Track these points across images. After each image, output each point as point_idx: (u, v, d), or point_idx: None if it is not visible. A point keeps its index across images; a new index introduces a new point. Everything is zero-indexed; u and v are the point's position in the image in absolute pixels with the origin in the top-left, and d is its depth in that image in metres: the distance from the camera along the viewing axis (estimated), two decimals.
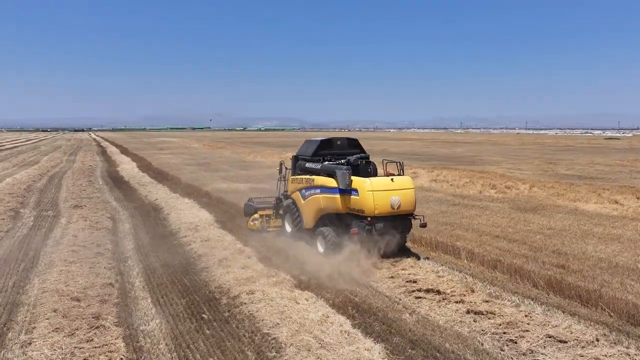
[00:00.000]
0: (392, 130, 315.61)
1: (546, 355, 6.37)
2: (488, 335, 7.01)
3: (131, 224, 14.91)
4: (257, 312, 7.65)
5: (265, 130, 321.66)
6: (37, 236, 13.22)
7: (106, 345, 6.53)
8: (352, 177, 10.29)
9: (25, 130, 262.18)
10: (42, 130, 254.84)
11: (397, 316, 7.83)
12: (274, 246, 11.81)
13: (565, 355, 6.33)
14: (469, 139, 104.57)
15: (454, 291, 8.61)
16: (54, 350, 6.30)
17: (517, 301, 8.26)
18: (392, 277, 9.58)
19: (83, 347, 6.41)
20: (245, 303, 8.05)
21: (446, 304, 8.17)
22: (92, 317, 7.37)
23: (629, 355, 6.33)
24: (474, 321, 7.47)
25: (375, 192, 9.98)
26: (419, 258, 10.66)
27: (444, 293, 8.55)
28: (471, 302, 8.11)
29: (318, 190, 11.13)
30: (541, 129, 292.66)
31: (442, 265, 10.31)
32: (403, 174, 10.88)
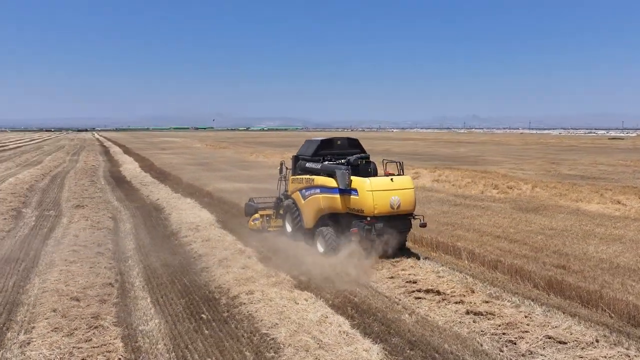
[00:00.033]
0: (395, 130, 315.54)
1: (545, 356, 6.34)
2: (487, 336, 6.98)
3: (132, 224, 14.93)
4: (256, 312, 7.64)
5: (268, 130, 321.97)
6: (38, 236, 13.26)
7: (104, 345, 6.53)
8: (352, 177, 10.28)
9: (29, 130, 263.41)
10: (46, 130, 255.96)
11: (397, 316, 7.81)
12: (274, 246, 11.81)
13: (565, 356, 6.30)
14: (472, 139, 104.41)
15: (454, 292, 8.58)
16: (53, 350, 6.30)
17: (517, 302, 8.22)
18: (392, 277, 9.56)
19: (81, 347, 6.41)
20: (244, 303, 8.04)
21: (446, 304, 8.14)
22: (91, 317, 7.37)
23: (629, 356, 6.29)
24: (474, 322, 7.44)
25: (375, 192, 9.97)
26: (419, 258, 10.64)
27: (444, 293, 8.52)
28: (471, 302, 8.08)
29: (318, 190, 11.12)
30: (545, 129, 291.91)
31: (442, 265, 10.29)
32: (403, 174, 10.87)
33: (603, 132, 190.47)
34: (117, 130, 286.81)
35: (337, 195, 10.56)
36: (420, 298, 8.50)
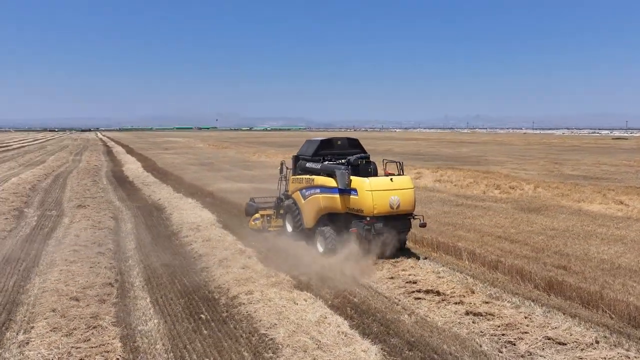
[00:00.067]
0: (398, 130, 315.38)
1: (544, 358, 6.31)
2: (487, 337, 6.95)
3: (133, 224, 14.95)
4: (255, 312, 7.63)
5: (271, 130, 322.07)
6: (39, 236, 13.29)
7: (103, 345, 6.53)
8: (352, 177, 10.27)
9: (32, 130, 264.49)
10: (50, 130, 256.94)
11: (396, 317, 7.79)
12: (274, 246, 11.80)
13: (564, 358, 6.28)
14: (474, 139, 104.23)
15: (454, 292, 8.55)
16: (51, 350, 6.30)
17: (517, 302, 8.20)
18: (392, 277, 9.53)
19: (80, 347, 6.41)
20: (243, 303, 8.04)
21: (445, 305, 8.11)
22: (90, 317, 7.36)
23: (629, 357, 6.26)
24: (473, 322, 7.41)
25: (374, 192, 9.95)
26: (419, 258, 10.61)
27: (444, 294, 8.49)
28: (471, 303, 8.05)
29: (318, 190, 11.11)
30: (548, 129, 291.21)
31: (442, 265, 10.26)
32: (403, 174, 10.85)
33: (607, 132, 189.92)
34: (120, 130, 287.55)
35: (337, 195, 10.55)
36: (420, 298, 8.47)
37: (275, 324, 7.12)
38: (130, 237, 13.22)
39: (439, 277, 9.33)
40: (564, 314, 7.79)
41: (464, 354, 6.58)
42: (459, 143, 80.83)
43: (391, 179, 10.26)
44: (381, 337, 7.05)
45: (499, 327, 7.16)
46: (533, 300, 8.35)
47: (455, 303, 8.12)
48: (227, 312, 7.90)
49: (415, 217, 10.68)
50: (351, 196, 10.23)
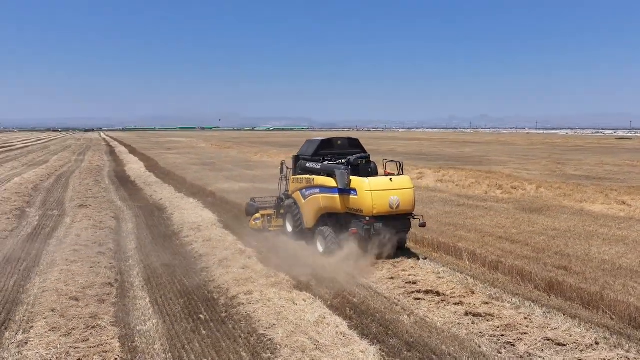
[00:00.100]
0: (401, 130, 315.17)
1: (544, 359, 6.28)
2: (486, 338, 6.92)
3: (134, 224, 14.97)
4: (254, 312, 7.62)
5: (274, 130, 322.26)
6: (40, 235, 13.32)
7: (101, 345, 6.53)
8: (351, 177, 10.25)
9: (36, 130, 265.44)
10: (53, 130, 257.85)
11: (395, 317, 7.77)
12: (274, 246, 11.79)
13: (563, 359, 6.25)
14: (478, 139, 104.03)
15: (454, 293, 8.52)
16: (49, 350, 6.31)
17: (517, 303, 8.16)
18: (392, 278, 9.51)
19: (78, 347, 6.42)
20: (243, 304, 8.03)
21: (445, 305, 8.08)
22: (89, 317, 7.37)
23: (629, 359, 6.22)
24: (472, 323, 7.39)
25: (374, 192, 9.93)
26: (419, 259, 10.59)
27: (444, 294, 8.46)
28: (470, 303, 8.02)
29: (318, 190, 11.10)
30: (552, 129, 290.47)
31: (443, 266, 10.23)
32: (403, 174, 10.82)
33: (610, 132, 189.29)
34: (123, 130, 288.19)
35: (337, 195, 10.53)
36: (419, 299, 8.45)
37: (274, 324, 7.11)
38: (131, 237, 13.24)
39: (439, 278, 9.30)
40: (564, 314, 7.75)
41: (463, 354, 6.56)
42: (462, 143, 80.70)
43: (391, 179, 10.24)
44: (380, 338, 7.03)
45: (498, 327, 7.14)
46: (533, 301, 8.32)
47: (455, 304, 8.09)
48: (226, 312, 7.90)
49: (415, 217, 10.65)
50: (351, 196, 10.22)
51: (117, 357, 6.28)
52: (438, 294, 8.53)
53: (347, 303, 8.38)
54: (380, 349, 6.52)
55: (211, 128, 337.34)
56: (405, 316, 7.82)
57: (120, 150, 59.05)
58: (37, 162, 39.76)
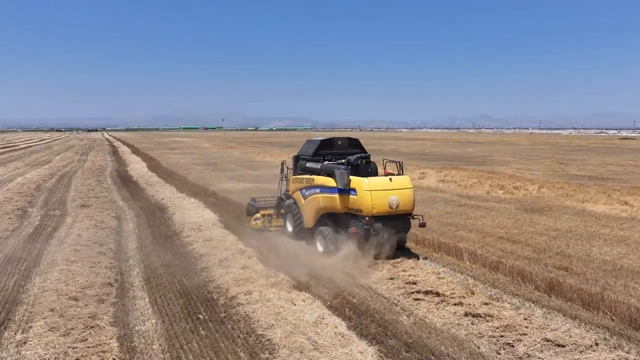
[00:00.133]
0: (404, 130, 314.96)
1: (542, 359, 6.25)
2: (485, 339, 6.90)
3: (135, 224, 14.99)
4: (253, 313, 7.61)
5: (277, 130, 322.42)
6: (42, 235, 13.35)
7: (100, 345, 6.53)
8: (351, 177, 10.24)
9: (40, 130, 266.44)
10: (57, 130, 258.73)
11: (394, 318, 7.75)
12: (274, 246, 11.78)
13: None
14: (480, 139, 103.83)
15: (454, 293, 8.49)
16: (48, 349, 6.31)
17: (517, 304, 8.13)
18: (391, 278, 9.49)
19: (77, 347, 6.42)
20: (242, 304, 8.02)
21: (445, 306, 8.06)
22: (88, 317, 7.37)
23: None
24: (472, 324, 7.36)
25: (374, 192, 9.92)
26: (420, 259, 10.56)
27: (444, 295, 8.43)
28: (470, 304, 7.99)
29: (318, 190, 11.10)
30: (555, 129, 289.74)
31: (443, 266, 10.19)
32: (402, 174, 10.80)
33: (614, 132, 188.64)
34: (127, 130, 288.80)
35: (337, 195, 10.52)
36: (419, 299, 8.42)
37: (272, 325, 7.09)
38: (132, 237, 13.26)
39: (439, 278, 9.27)
40: (564, 315, 7.71)
41: (462, 355, 6.54)
42: (465, 143, 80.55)
43: (390, 179, 10.22)
44: (379, 338, 7.02)
45: (497, 328, 7.11)
46: (533, 302, 8.28)
47: (455, 304, 8.06)
48: (225, 312, 7.89)
49: (415, 217, 10.63)
50: (350, 196, 10.20)
51: (115, 357, 6.28)
52: (438, 294, 8.50)
53: (347, 303, 8.37)
54: (378, 350, 6.50)
55: (214, 128, 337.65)
56: (405, 317, 7.80)
57: (123, 150, 59.15)
58: (40, 162, 39.87)
